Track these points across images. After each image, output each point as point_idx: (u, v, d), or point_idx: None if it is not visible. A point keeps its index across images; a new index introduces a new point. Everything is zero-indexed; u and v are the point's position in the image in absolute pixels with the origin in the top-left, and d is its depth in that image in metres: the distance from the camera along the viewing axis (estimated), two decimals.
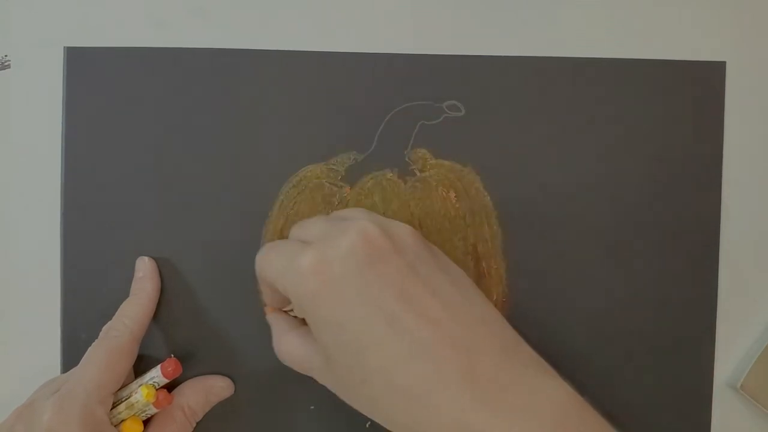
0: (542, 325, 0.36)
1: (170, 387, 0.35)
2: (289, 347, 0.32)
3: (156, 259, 0.36)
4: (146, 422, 0.34)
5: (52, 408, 0.30)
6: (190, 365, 0.36)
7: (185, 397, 0.35)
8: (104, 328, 0.35)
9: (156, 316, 0.36)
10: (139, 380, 0.34)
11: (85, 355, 0.33)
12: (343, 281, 0.27)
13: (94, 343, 0.34)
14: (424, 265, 0.28)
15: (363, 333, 0.26)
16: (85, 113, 0.37)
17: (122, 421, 0.33)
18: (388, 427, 0.27)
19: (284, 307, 0.34)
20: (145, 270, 0.36)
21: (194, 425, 0.35)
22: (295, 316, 0.34)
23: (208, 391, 0.36)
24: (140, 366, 0.36)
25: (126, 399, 0.33)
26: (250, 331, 0.37)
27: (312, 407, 0.37)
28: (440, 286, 0.27)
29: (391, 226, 0.29)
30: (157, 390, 0.33)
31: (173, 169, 0.37)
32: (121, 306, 0.35)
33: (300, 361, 0.31)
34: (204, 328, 0.37)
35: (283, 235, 0.37)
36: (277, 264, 0.29)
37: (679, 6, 0.37)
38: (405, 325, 0.26)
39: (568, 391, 0.26)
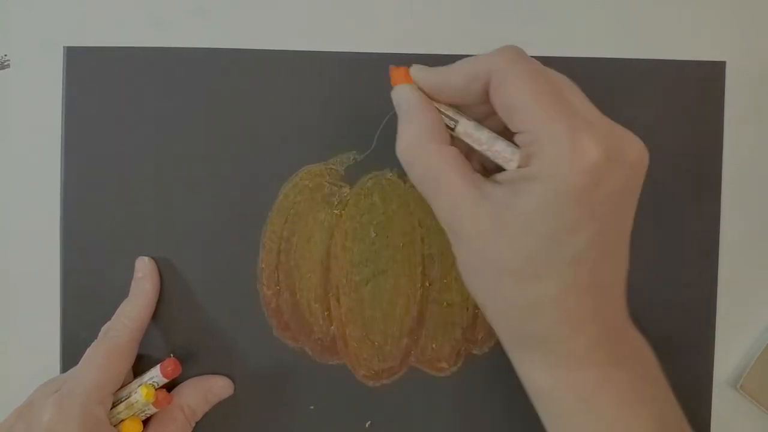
0: None
1: (170, 387, 0.35)
2: (443, 162, 0.26)
3: (156, 259, 0.36)
4: (146, 422, 0.34)
5: (51, 408, 0.30)
6: (189, 365, 0.36)
7: (185, 397, 0.35)
8: (103, 328, 0.35)
9: (156, 316, 0.36)
10: (139, 380, 0.34)
11: (84, 355, 0.33)
12: (608, 196, 0.25)
13: (93, 344, 0.34)
14: (634, 207, 0.28)
15: (583, 248, 0.25)
16: (85, 113, 0.37)
17: (122, 420, 0.33)
18: (506, 328, 0.28)
19: (444, 100, 0.28)
20: (144, 270, 0.36)
21: (194, 425, 0.35)
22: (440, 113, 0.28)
23: (207, 391, 0.36)
24: (140, 366, 0.36)
25: (125, 399, 0.33)
26: (250, 331, 0.37)
27: (312, 407, 0.37)
28: (629, 231, 0.28)
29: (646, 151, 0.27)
30: (156, 390, 0.33)
31: (173, 168, 0.37)
32: (120, 306, 0.35)
33: (450, 185, 0.26)
34: (204, 328, 0.37)
35: (282, 236, 0.37)
36: (552, 110, 0.25)
37: (679, 6, 0.37)
38: (605, 261, 0.26)
39: (651, 353, 0.29)
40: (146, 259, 0.36)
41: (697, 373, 0.37)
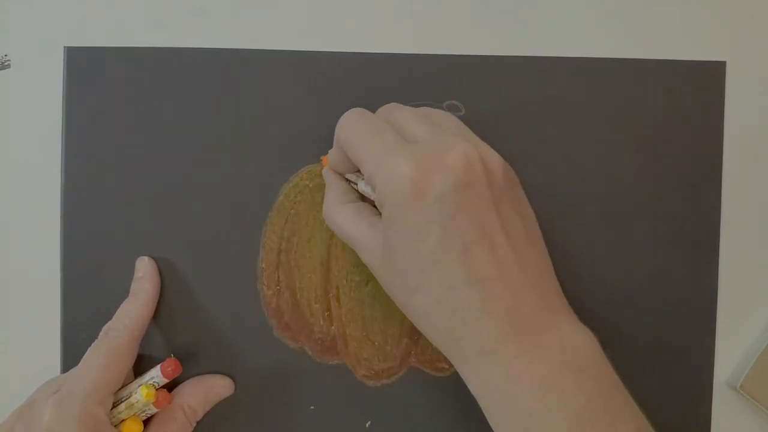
0: None
1: (170, 387, 0.35)
2: (343, 218, 0.32)
3: (156, 259, 0.36)
4: (146, 422, 0.34)
5: (51, 408, 0.30)
6: (190, 365, 0.36)
7: (185, 397, 0.35)
8: (104, 329, 0.35)
9: (156, 316, 0.36)
10: (139, 380, 0.34)
11: (84, 356, 0.33)
12: (436, 199, 0.27)
13: (93, 344, 0.34)
14: (505, 202, 0.30)
15: (436, 250, 0.28)
16: (85, 113, 0.37)
17: (122, 421, 0.33)
18: (427, 335, 0.30)
19: (344, 172, 0.34)
20: (144, 270, 0.36)
21: (194, 425, 0.35)
22: (348, 180, 0.34)
23: (208, 390, 0.36)
24: (140, 366, 0.36)
25: (126, 399, 0.33)
26: (250, 331, 0.37)
27: (312, 407, 0.37)
28: (513, 227, 0.29)
29: (486, 153, 0.30)
30: (156, 390, 0.33)
31: (173, 169, 0.37)
32: (120, 306, 0.35)
33: (351, 236, 0.32)
34: (204, 328, 0.37)
35: (282, 236, 0.37)
36: (372, 148, 0.29)
37: (679, 6, 0.37)
38: (475, 256, 0.28)
39: (593, 344, 0.29)
40: (146, 259, 0.36)
41: (697, 373, 0.37)
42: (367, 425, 0.37)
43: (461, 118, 0.36)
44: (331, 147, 0.37)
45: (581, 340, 0.29)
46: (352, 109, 0.32)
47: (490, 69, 0.37)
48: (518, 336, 0.28)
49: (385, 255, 0.30)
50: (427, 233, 0.28)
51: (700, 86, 0.37)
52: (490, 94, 0.37)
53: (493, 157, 0.30)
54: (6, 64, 0.37)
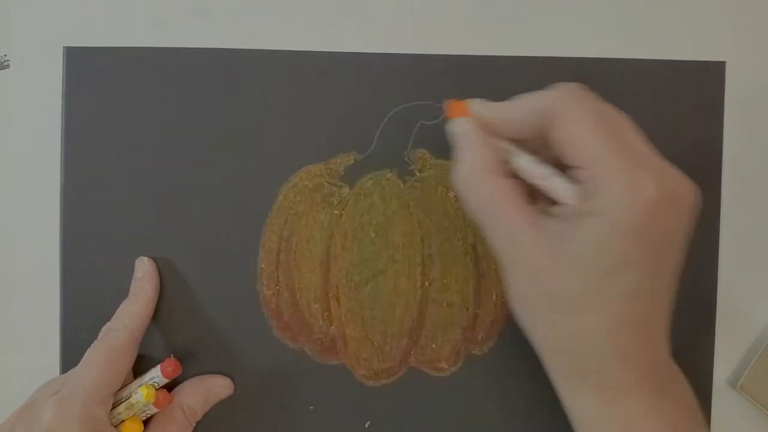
0: None
1: (170, 387, 0.35)
2: (499, 194, 0.27)
3: (156, 259, 0.36)
4: (146, 422, 0.34)
5: (52, 409, 0.30)
6: (189, 365, 0.36)
7: (185, 397, 0.35)
8: (103, 329, 0.35)
9: (155, 316, 0.36)
10: (139, 380, 0.34)
11: (84, 356, 0.33)
12: (662, 233, 0.26)
13: (93, 344, 0.34)
14: (683, 244, 0.28)
15: (635, 284, 0.26)
16: (85, 113, 0.37)
17: (122, 421, 0.33)
18: (552, 355, 0.29)
19: (507, 134, 0.29)
20: (144, 270, 0.36)
21: (194, 425, 0.35)
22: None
23: (208, 391, 0.36)
24: (140, 366, 0.36)
25: (126, 399, 0.33)
26: (249, 331, 0.37)
27: (312, 407, 0.37)
28: (677, 267, 0.29)
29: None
30: (156, 390, 0.33)
31: (173, 169, 0.37)
32: (120, 306, 0.35)
33: (504, 219, 0.27)
34: (203, 328, 0.37)
35: (282, 236, 0.37)
36: (609, 148, 0.26)
37: (679, 6, 0.37)
38: (656, 296, 0.27)
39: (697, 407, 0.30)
40: (146, 259, 0.36)
41: (697, 373, 0.36)
42: (366, 425, 0.37)
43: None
44: (330, 147, 0.37)
45: (684, 379, 0.30)
46: (571, 85, 0.28)
47: (490, 69, 0.37)
48: (656, 375, 0.28)
49: (558, 262, 0.26)
50: (638, 264, 0.26)
51: (700, 86, 0.37)
52: (490, 94, 0.36)
53: (697, 197, 0.28)
54: (6, 64, 0.37)
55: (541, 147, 0.29)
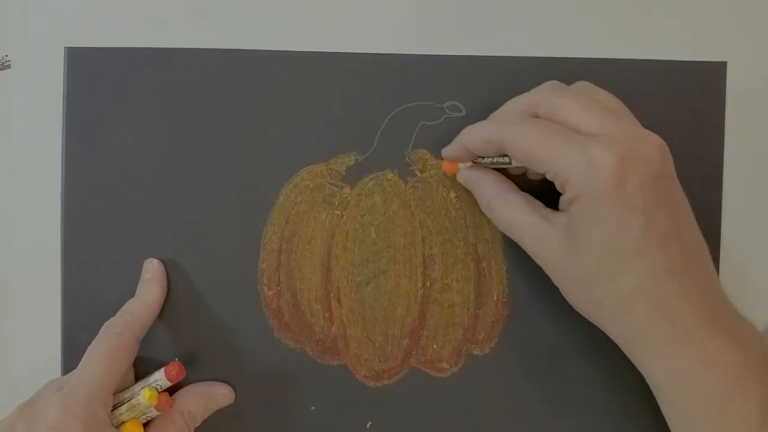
0: (542, 325, 0.37)
1: (171, 391, 0.35)
2: (515, 210, 0.32)
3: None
4: (145, 425, 0.34)
5: (55, 408, 0.30)
6: (190, 365, 0.36)
7: (185, 402, 0.35)
8: (105, 324, 0.34)
9: (158, 318, 0.36)
10: (142, 382, 0.34)
11: (86, 354, 0.33)
12: (637, 189, 0.28)
13: (94, 341, 0.34)
14: (679, 193, 0.31)
15: (639, 239, 0.28)
16: (85, 113, 0.37)
17: (123, 422, 0.33)
18: (608, 328, 0.31)
19: (486, 155, 0.33)
20: (153, 272, 0.36)
21: (192, 430, 0.35)
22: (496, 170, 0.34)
23: (208, 398, 0.35)
24: (143, 369, 0.36)
25: (128, 401, 0.33)
26: (250, 332, 0.37)
27: (313, 408, 0.37)
28: (692, 218, 0.31)
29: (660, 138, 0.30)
30: (159, 393, 0.33)
31: (173, 169, 0.37)
32: (125, 304, 0.35)
33: (527, 229, 0.32)
34: (204, 329, 0.37)
35: (283, 236, 0.37)
36: (556, 146, 0.29)
37: (679, 6, 0.37)
38: (670, 247, 0.29)
39: (761, 335, 0.32)
40: (155, 261, 0.36)
41: None
42: (367, 426, 0.37)
43: (462, 118, 0.36)
44: (331, 147, 0.37)
45: (752, 328, 0.31)
46: (508, 106, 0.33)
47: (489, 69, 0.37)
48: (711, 323, 0.29)
49: (571, 248, 0.30)
50: (630, 223, 0.28)
51: (700, 86, 0.37)
52: (490, 94, 0.37)
53: (660, 146, 0.30)
54: (6, 64, 0.37)
55: None
